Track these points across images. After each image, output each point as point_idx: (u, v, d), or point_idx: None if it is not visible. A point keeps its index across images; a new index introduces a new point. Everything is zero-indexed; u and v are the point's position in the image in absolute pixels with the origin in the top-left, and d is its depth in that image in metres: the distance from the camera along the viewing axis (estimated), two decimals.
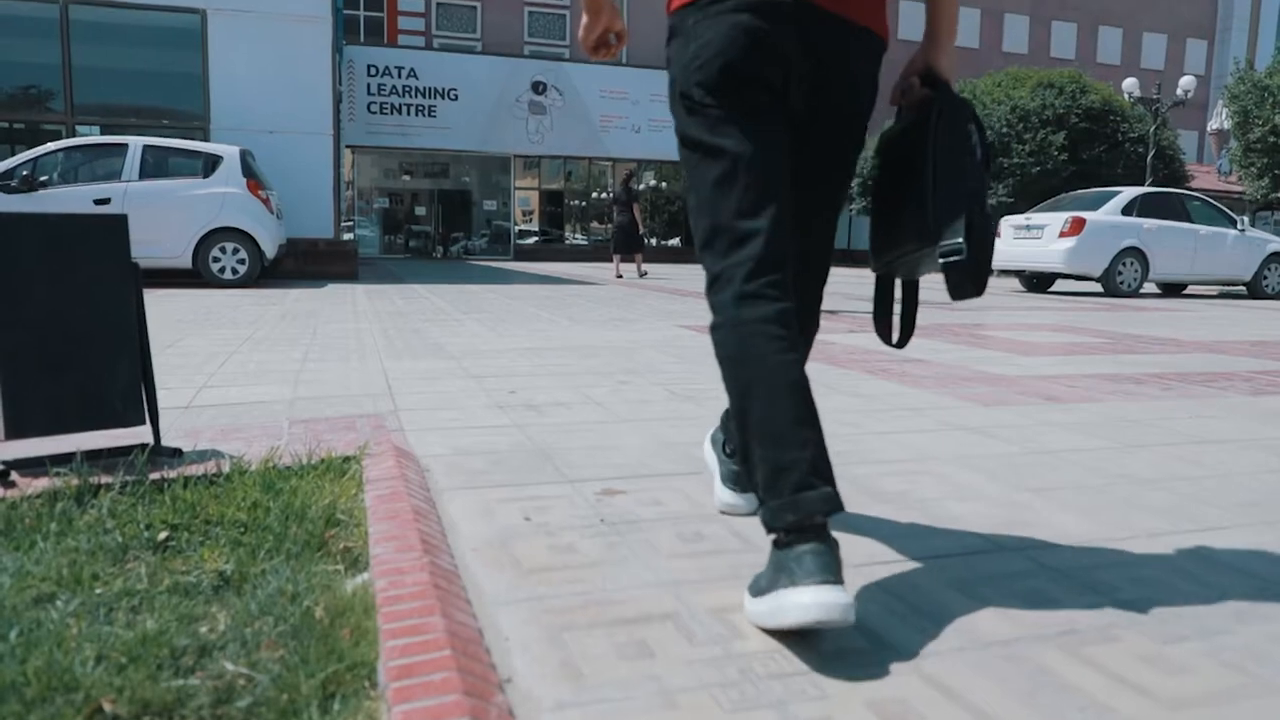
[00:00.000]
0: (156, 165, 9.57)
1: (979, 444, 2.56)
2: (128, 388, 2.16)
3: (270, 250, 9.83)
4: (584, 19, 1.61)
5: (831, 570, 1.22)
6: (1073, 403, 3.32)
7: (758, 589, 1.32)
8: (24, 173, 9.03)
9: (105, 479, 1.89)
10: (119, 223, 2.18)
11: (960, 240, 1.40)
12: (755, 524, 1.74)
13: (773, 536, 1.30)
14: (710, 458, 1.95)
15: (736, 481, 1.83)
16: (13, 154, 10.91)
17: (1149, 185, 18.69)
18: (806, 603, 1.19)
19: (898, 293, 1.70)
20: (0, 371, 1.97)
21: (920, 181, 1.47)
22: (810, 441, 1.30)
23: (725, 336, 1.39)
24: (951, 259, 1.41)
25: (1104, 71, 38.07)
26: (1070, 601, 1.43)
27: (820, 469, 1.29)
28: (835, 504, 1.27)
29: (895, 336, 1.68)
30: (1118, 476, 2.23)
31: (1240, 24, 44.14)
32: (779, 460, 1.28)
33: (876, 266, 1.67)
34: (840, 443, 2.52)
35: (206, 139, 11.56)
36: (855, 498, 1.98)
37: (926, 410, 3.07)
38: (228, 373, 3.62)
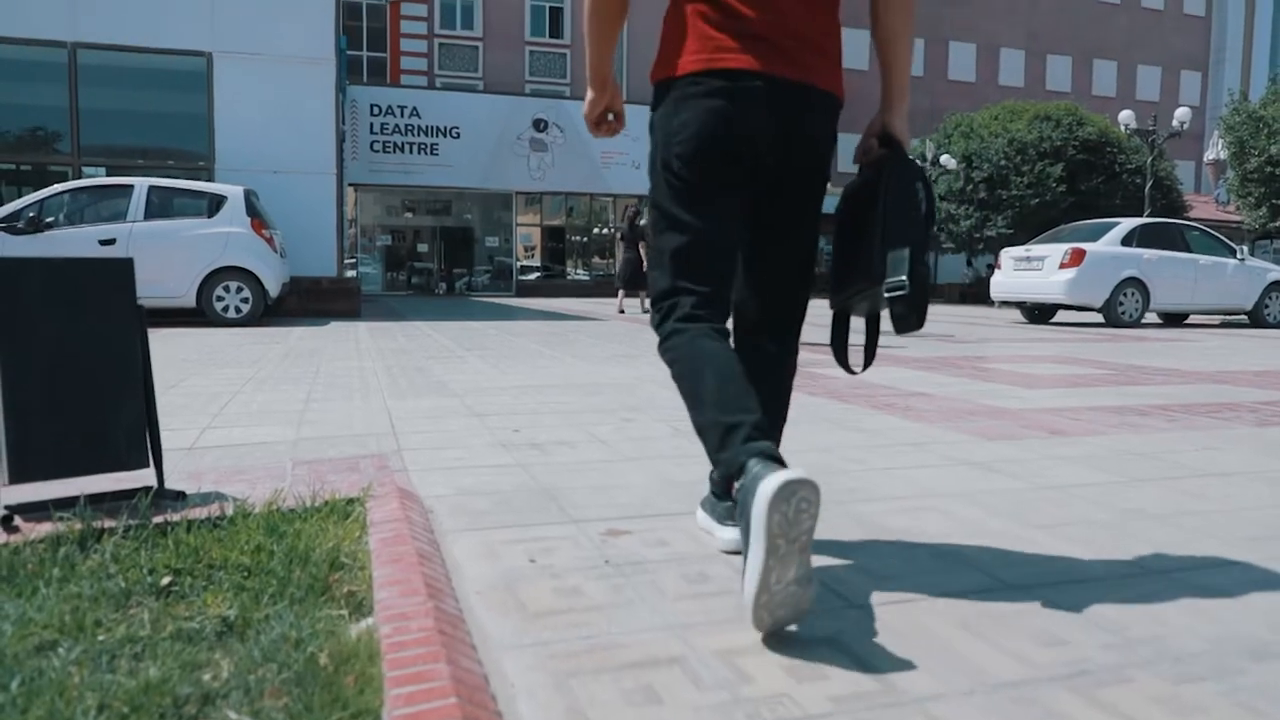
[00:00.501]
0: (162, 205, 9.66)
1: (984, 479, 2.55)
2: (132, 430, 2.16)
3: (274, 289, 9.88)
4: (590, 94, 1.77)
5: (783, 464, 1.38)
6: (1077, 436, 3.31)
7: (744, 562, 1.37)
8: (30, 214, 9.11)
9: (108, 523, 1.89)
10: (124, 266, 2.19)
11: (904, 278, 1.61)
12: None
13: (729, 500, 1.44)
14: (703, 519, 1.98)
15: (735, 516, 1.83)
16: (20, 195, 11.03)
17: (1147, 216, 18.79)
18: (778, 478, 1.30)
19: (860, 325, 1.87)
20: (6, 416, 1.97)
21: (873, 230, 1.67)
22: (754, 409, 1.50)
23: (674, 342, 1.64)
24: (896, 294, 1.62)
25: (1100, 103, 38.47)
26: (1080, 641, 1.41)
27: (763, 428, 1.47)
28: (777, 455, 1.42)
29: (857, 363, 1.87)
30: (1125, 511, 2.22)
31: (1233, 56, 44.63)
32: (731, 421, 1.48)
33: (834, 303, 1.85)
34: (846, 479, 2.51)
35: (211, 179, 11.67)
36: (861, 536, 1.97)
37: (931, 445, 3.06)
38: (231, 413, 3.62)
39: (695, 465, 2.65)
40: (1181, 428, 3.54)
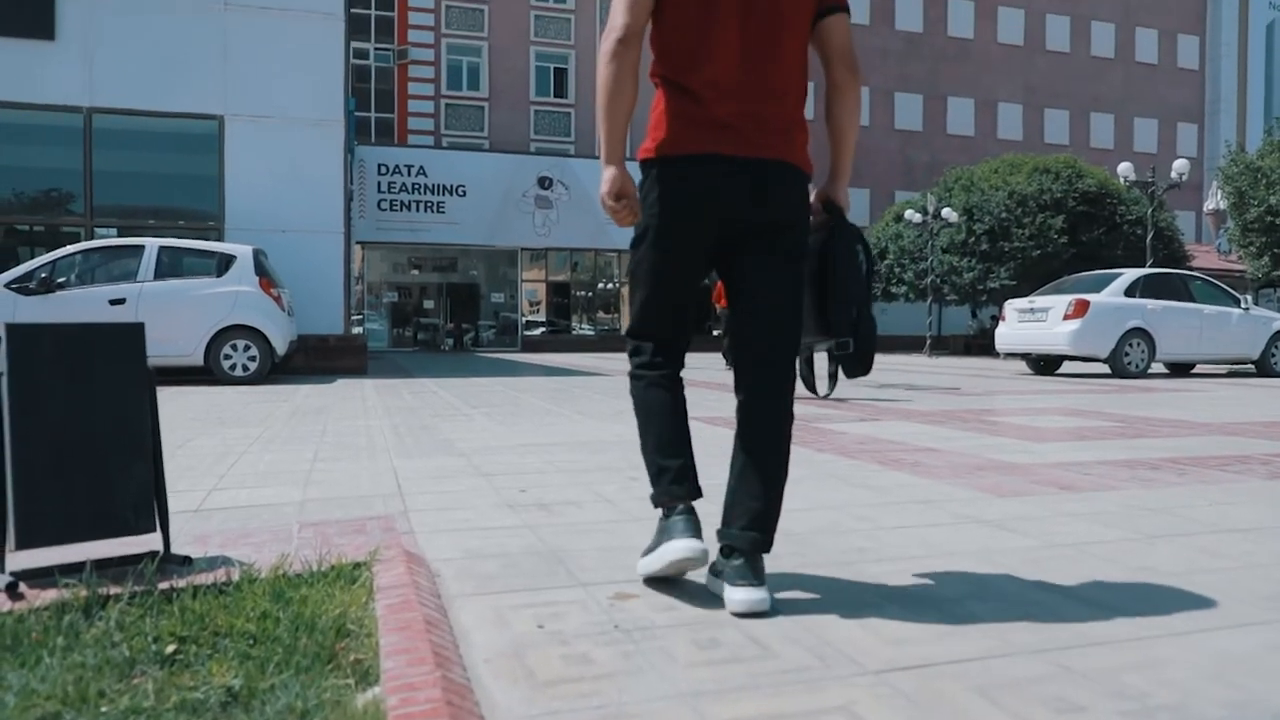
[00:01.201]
0: (171, 265, 9.76)
1: (996, 538, 2.52)
2: (139, 495, 2.16)
3: (281, 347, 9.93)
4: (608, 171, 1.93)
5: (695, 531, 1.88)
6: (1088, 491, 3.28)
7: (647, 550, 2.01)
8: (42, 275, 9.22)
9: (114, 590, 1.88)
10: (135, 331, 2.21)
11: (848, 339, 1.98)
12: (772, 630, 1.72)
13: (659, 511, 1.96)
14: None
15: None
16: (34, 255, 11.17)
17: (1150, 266, 18.88)
18: (679, 548, 1.85)
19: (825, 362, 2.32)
20: (14, 483, 1.97)
21: (823, 288, 2.00)
22: (684, 454, 1.95)
23: (635, 387, 2.05)
24: (843, 351, 2.00)
25: (1098, 155, 38.88)
26: (1099, 708, 1.39)
27: (688, 472, 1.94)
28: (696, 494, 1.94)
29: (823, 389, 2.46)
30: (1140, 570, 2.19)
31: (1228, 107, 45.23)
32: (663, 464, 1.94)
33: (799, 350, 2.07)
34: (856, 538, 2.49)
35: (221, 238, 11.80)
36: (873, 599, 1.95)
37: (941, 502, 3.04)
38: (238, 474, 3.62)
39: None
40: (1193, 481, 3.51)
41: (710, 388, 8.70)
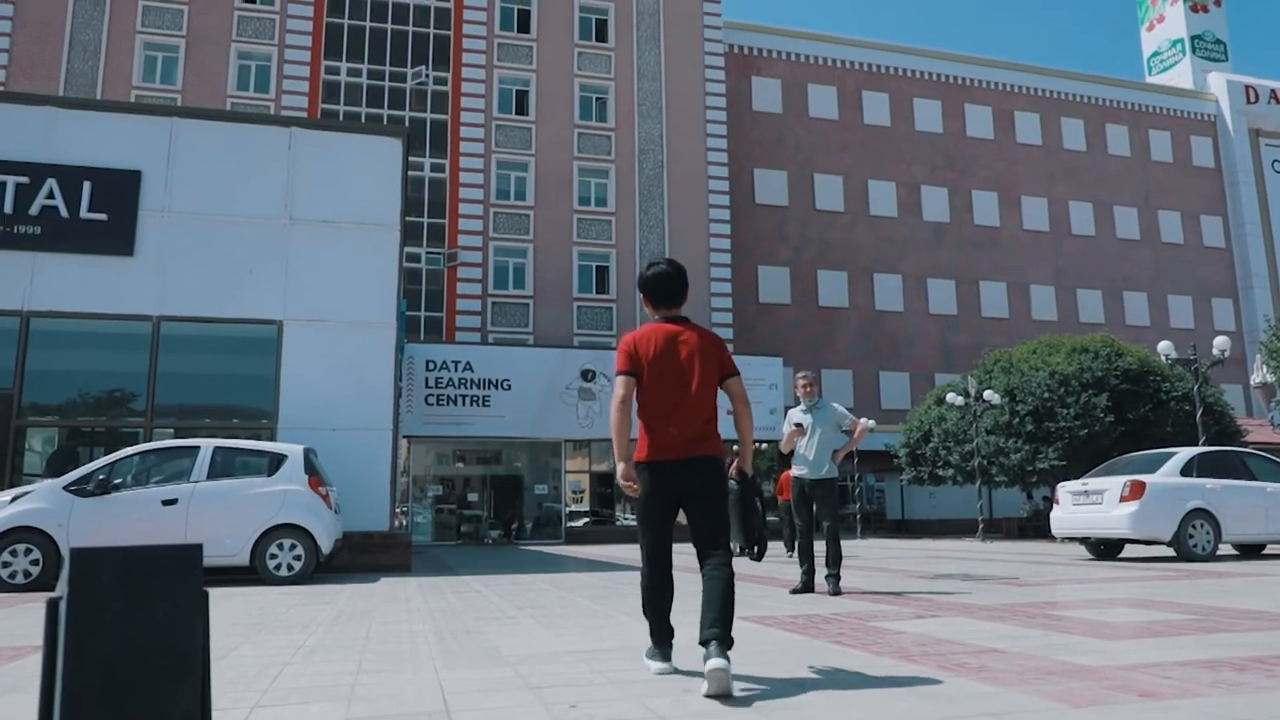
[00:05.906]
0: (225, 465, 9.96)
1: None
2: None
3: (326, 546, 9.92)
4: (619, 465, 3.66)
5: (667, 658, 3.71)
6: (1171, 699, 3.07)
7: (648, 653, 3.82)
8: (100, 477, 9.45)
9: None
10: (193, 553, 2.24)
11: (750, 549, 4.42)
12: None
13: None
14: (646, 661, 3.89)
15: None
16: (93, 454, 11.50)
17: (1202, 442, 18.44)
18: (656, 667, 3.69)
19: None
20: (63, 712, 1.95)
21: (739, 514, 4.37)
22: (664, 617, 3.69)
23: (643, 582, 3.70)
24: (743, 549, 4.58)
25: (1135, 333, 39.05)
26: None
27: (666, 631, 3.70)
28: (670, 637, 3.71)
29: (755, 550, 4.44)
30: None
31: (1260, 281, 45.57)
32: (652, 623, 3.71)
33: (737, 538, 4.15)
34: None
35: (274, 436, 12.07)
36: None
37: (1012, 715, 2.86)
38: (281, 689, 3.54)
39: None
40: None
41: (741, 580, 8.42)
